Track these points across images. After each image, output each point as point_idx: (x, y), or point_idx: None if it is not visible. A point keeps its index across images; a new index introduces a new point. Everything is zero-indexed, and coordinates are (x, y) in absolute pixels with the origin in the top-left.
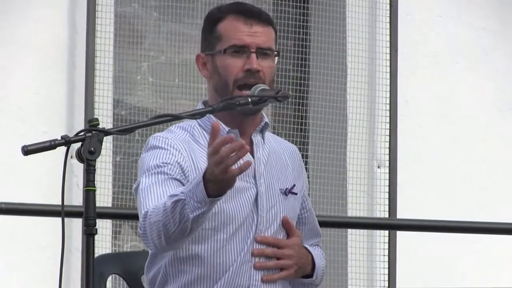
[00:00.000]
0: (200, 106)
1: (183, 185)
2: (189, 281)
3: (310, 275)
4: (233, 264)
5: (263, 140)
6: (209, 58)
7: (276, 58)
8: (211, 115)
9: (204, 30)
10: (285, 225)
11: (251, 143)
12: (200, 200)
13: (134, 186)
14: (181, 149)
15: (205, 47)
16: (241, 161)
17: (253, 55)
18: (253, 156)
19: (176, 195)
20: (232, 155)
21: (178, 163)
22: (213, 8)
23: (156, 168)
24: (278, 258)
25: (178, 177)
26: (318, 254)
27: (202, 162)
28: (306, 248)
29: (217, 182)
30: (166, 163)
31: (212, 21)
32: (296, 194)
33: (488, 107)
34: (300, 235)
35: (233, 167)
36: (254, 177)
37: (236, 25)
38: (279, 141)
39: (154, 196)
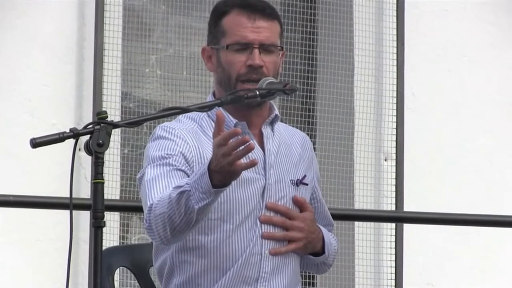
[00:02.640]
0: (209, 97)
1: (188, 176)
2: (196, 273)
3: (320, 253)
4: (242, 255)
5: (273, 132)
6: (214, 51)
7: (281, 52)
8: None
9: (210, 23)
10: (297, 203)
11: (261, 135)
12: (205, 191)
13: (139, 175)
14: (187, 139)
15: (210, 40)
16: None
17: (256, 51)
18: (263, 148)
19: (181, 186)
20: (239, 149)
21: (183, 154)
22: (220, 0)
23: (161, 160)
24: (287, 230)
25: (183, 167)
26: (329, 234)
27: (208, 152)
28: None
29: (222, 173)
30: (170, 154)
31: (217, 14)
32: (307, 184)
33: (495, 100)
34: (312, 210)
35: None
36: (264, 169)
37: (239, 21)
38: (290, 131)
39: (159, 188)
